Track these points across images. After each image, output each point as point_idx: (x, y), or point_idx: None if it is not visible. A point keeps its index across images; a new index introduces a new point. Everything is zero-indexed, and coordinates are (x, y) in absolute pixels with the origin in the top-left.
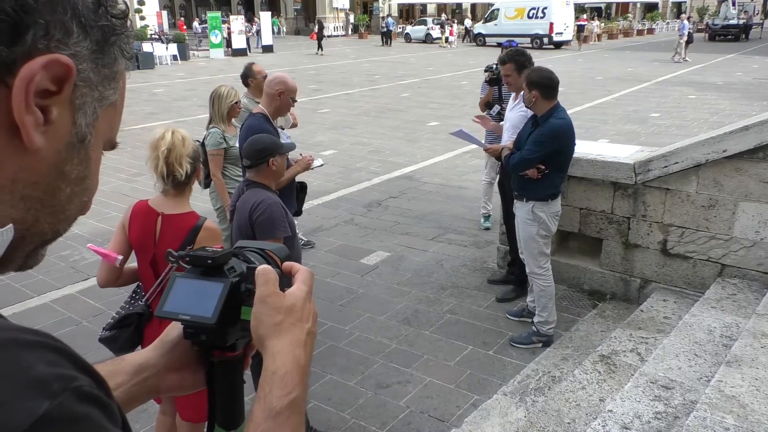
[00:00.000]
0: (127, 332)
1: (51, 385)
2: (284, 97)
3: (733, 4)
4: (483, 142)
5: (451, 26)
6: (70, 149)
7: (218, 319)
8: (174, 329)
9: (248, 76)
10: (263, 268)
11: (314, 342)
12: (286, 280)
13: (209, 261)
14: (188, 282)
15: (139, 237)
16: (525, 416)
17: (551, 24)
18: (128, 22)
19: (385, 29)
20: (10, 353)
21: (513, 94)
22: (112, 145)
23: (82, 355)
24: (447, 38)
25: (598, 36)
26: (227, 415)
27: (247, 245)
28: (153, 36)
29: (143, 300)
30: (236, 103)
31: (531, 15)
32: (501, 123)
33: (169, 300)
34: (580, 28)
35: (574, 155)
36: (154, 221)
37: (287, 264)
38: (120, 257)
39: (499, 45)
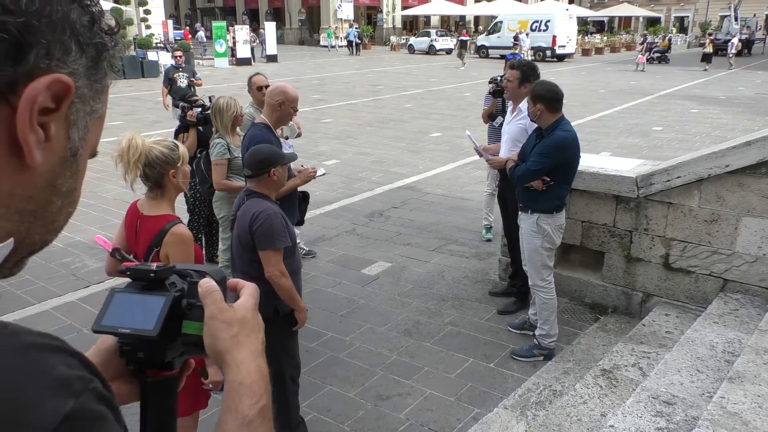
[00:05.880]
0: None
1: (73, 385)
2: (285, 107)
3: (736, 20)
4: (485, 152)
5: (521, 41)
6: (63, 164)
7: (160, 332)
8: (109, 338)
9: (248, 86)
10: (208, 286)
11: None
12: (231, 297)
13: (152, 274)
14: (128, 296)
15: (127, 235)
16: (525, 430)
17: (554, 37)
18: (117, 37)
19: (347, 40)
20: (33, 356)
21: (510, 107)
22: (94, 153)
23: None
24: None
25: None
26: None
27: (185, 267)
28: (158, 44)
29: None
30: (238, 114)
31: (534, 28)
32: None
33: (108, 314)
34: (462, 44)
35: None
36: (136, 221)
37: (232, 281)
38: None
39: (503, 57)
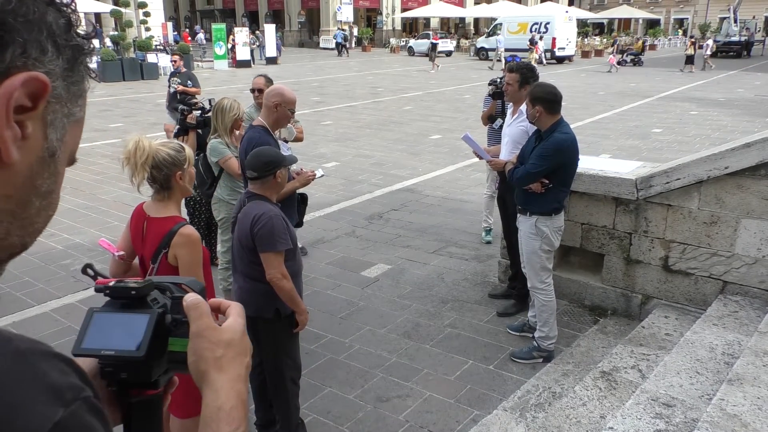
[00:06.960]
0: None
1: (65, 394)
2: (281, 109)
3: (735, 21)
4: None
5: (537, 43)
6: (42, 163)
7: (146, 352)
8: (87, 359)
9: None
10: (194, 300)
11: (249, 375)
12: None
13: (133, 292)
14: (108, 316)
15: (133, 237)
16: None
17: (554, 39)
18: (92, 43)
19: (335, 41)
20: (27, 362)
21: (511, 109)
22: (72, 161)
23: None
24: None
25: (600, 51)
26: None
27: (162, 279)
28: (158, 47)
29: None
30: (239, 117)
31: (534, 30)
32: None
33: (89, 336)
34: (434, 47)
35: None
36: (143, 223)
37: (215, 301)
38: (120, 252)
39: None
